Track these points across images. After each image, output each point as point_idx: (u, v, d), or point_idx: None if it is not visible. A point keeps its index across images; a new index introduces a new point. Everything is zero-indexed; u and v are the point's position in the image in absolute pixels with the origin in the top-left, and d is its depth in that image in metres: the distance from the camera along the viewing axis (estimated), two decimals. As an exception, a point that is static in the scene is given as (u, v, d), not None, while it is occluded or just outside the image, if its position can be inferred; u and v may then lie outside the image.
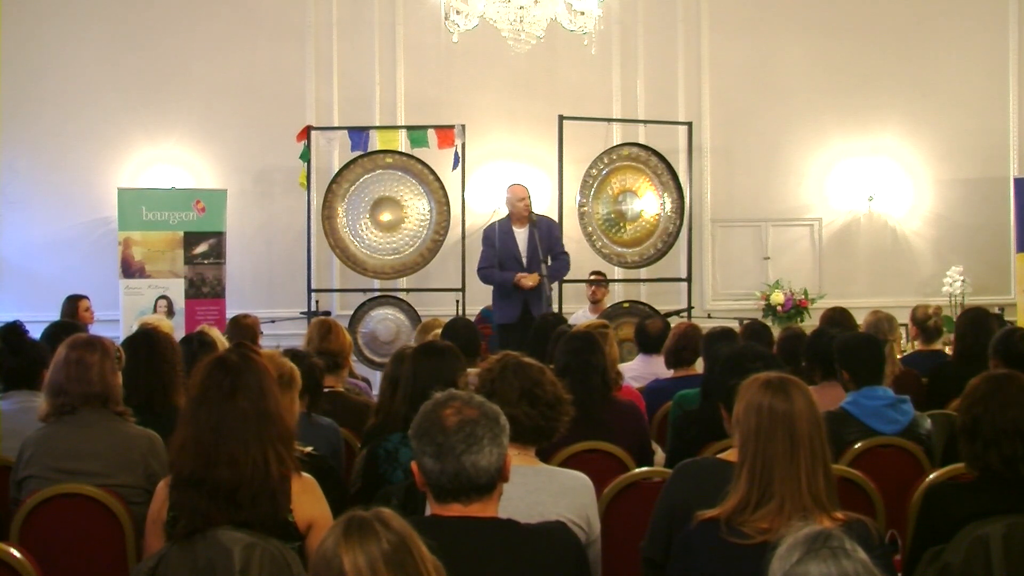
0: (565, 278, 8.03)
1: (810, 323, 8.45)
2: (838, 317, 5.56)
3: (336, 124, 8.99)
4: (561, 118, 8.30)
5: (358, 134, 8.41)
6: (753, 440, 2.39)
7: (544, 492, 2.76)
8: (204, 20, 9.32)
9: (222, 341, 4.76)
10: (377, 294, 8.76)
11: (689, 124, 9.04)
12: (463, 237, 8.37)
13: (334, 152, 8.95)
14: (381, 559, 1.64)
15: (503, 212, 8.52)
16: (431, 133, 8.27)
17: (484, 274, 7.53)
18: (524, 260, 7.33)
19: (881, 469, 3.60)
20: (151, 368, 3.86)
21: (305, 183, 8.50)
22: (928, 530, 2.85)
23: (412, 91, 9.44)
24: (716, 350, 4.13)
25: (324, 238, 8.50)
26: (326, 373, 4.27)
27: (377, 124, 8.97)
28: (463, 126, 8.28)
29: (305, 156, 8.45)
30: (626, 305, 8.71)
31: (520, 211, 7.45)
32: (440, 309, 8.17)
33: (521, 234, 7.40)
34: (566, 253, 7.61)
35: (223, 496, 2.47)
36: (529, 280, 7.18)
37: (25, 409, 3.91)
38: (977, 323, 5.21)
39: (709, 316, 8.96)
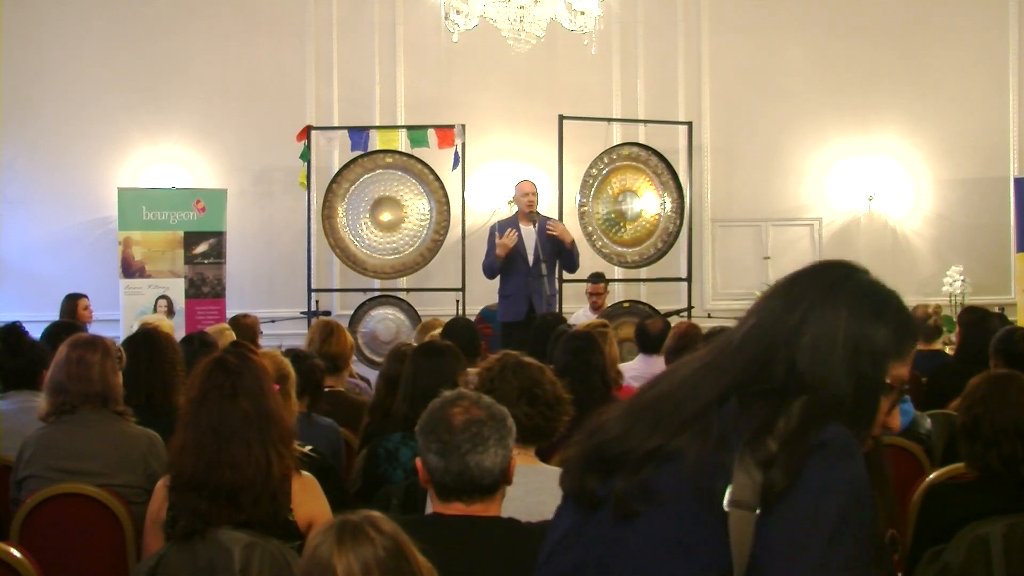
0: (567, 278, 8.05)
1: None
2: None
3: (336, 124, 8.99)
4: (561, 118, 8.30)
5: (358, 134, 8.40)
6: None
7: (544, 492, 2.76)
8: (204, 20, 9.32)
9: None
10: (377, 294, 8.76)
11: (689, 124, 9.04)
12: (463, 237, 8.37)
13: (334, 152, 8.95)
14: (375, 564, 1.64)
15: (503, 212, 8.54)
16: (431, 133, 8.26)
17: (484, 265, 7.57)
18: (530, 259, 7.36)
19: (881, 469, 3.59)
20: (151, 368, 3.87)
21: (305, 183, 8.50)
22: (928, 530, 2.85)
23: (412, 91, 9.44)
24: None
25: (324, 238, 8.50)
26: (327, 374, 4.27)
27: (377, 124, 8.97)
28: (463, 126, 8.28)
29: (305, 156, 8.45)
30: (626, 305, 8.71)
31: (523, 206, 7.49)
32: (440, 309, 8.17)
33: (527, 232, 7.43)
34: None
35: (224, 498, 2.47)
36: (507, 241, 7.24)
37: (25, 409, 3.91)
38: (981, 322, 5.21)
39: (709, 316, 8.96)
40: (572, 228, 7.93)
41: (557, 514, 1.55)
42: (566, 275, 8.01)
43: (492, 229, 7.66)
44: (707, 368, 1.49)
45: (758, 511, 1.31)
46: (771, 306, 1.50)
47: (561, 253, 7.51)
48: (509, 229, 7.43)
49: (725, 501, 1.32)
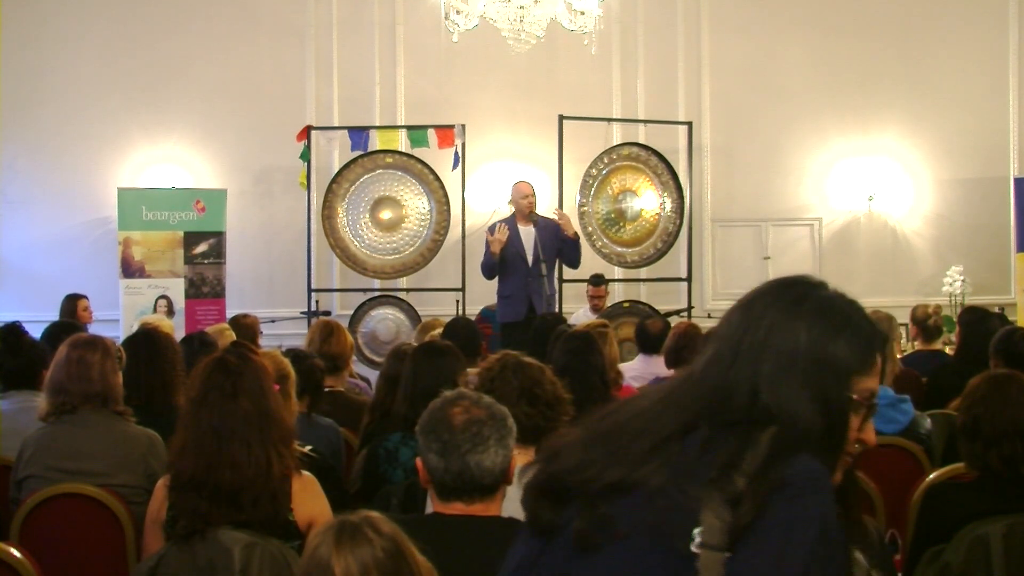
0: (566, 278, 8.05)
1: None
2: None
3: (336, 124, 8.99)
4: (561, 118, 8.30)
5: (358, 134, 8.41)
6: None
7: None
8: (204, 20, 9.32)
9: None
10: (377, 294, 8.77)
11: (689, 124, 9.04)
12: (463, 237, 8.37)
13: (334, 152, 8.95)
14: (374, 565, 1.64)
15: (503, 212, 8.53)
16: (431, 133, 8.27)
17: (481, 265, 7.55)
18: (529, 259, 7.35)
19: (881, 469, 3.60)
20: (151, 368, 3.87)
21: (305, 183, 8.50)
22: (928, 530, 2.86)
23: (412, 91, 9.44)
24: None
25: (324, 238, 8.50)
26: (327, 374, 4.27)
27: (377, 124, 8.97)
28: (463, 126, 8.28)
29: (305, 156, 8.45)
30: (626, 305, 8.71)
31: (523, 208, 7.48)
32: (440, 309, 8.17)
33: (526, 232, 7.42)
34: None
35: (225, 498, 2.47)
36: (500, 236, 7.23)
37: (25, 409, 3.91)
38: (981, 322, 5.21)
39: (709, 316, 8.95)
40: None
41: (517, 537, 1.52)
42: (566, 275, 8.01)
43: (489, 229, 7.66)
44: (668, 399, 1.45)
45: (727, 553, 1.27)
46: (729, 333, 1.47)
47: (562, 250, 7.49)
48: (500, 224, 7.41)
49: (695, 543, 1.27)
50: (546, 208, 8.38)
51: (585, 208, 8.46)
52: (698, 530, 1.28)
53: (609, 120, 9.12)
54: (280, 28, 9.41)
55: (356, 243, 8.53)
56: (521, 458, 2.76)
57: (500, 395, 2.80)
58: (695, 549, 1.28)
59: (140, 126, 9.24)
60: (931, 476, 3.30)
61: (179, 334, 5.70)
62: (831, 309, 1.47)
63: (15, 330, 4.28)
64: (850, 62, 9.62)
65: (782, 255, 9.66)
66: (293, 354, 3.79)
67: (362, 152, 8.43)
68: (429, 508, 2.29)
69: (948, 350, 6.13)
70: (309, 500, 2.63)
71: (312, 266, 8.55)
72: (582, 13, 6.82)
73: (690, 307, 8.79)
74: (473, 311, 8.31)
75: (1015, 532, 2.67)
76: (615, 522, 1.36)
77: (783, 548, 1.27)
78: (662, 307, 8.43)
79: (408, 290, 8.86)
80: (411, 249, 8.56)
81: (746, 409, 1.37)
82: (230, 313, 7.90)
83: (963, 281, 9.09)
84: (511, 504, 2.32)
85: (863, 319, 1.49)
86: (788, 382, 1.38)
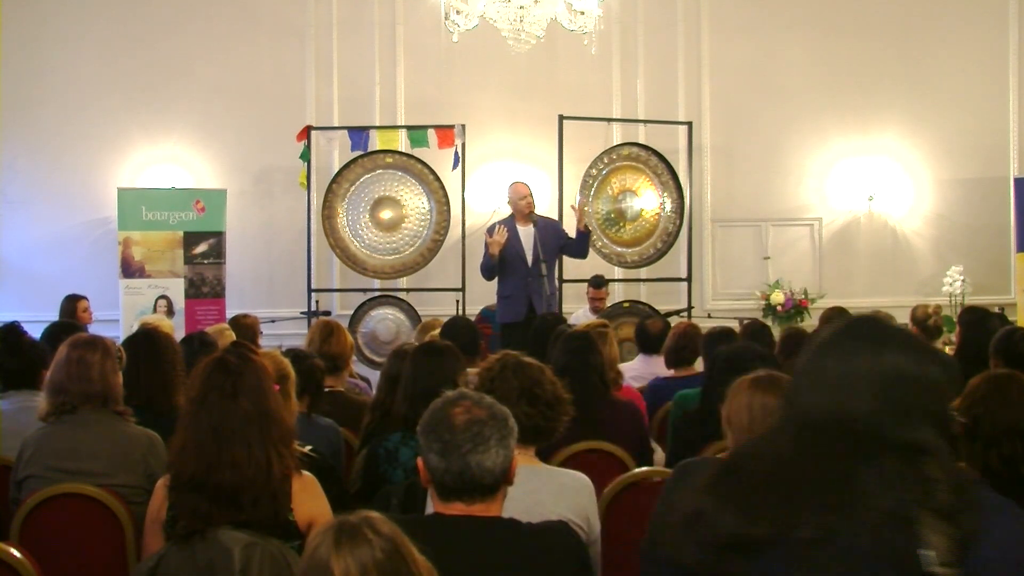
0: (567, 278, 8.04)
1: (810, 323, 8.46)
2: (837, 317, 5.55)
3: (336, 124, 8.99)
4: (561, 118, 8.30)
5: (358, 134, 8.41)
6: (747, 437, 2.40)
7: (544, 492, 2.77)
8: (204, 20, 9.32)
9: None
10: (377, 294, 8.77)
11: (689, 124, 9.04)
12: (463, 237, 8.37)
13: (334, 152, 8.95)
14: (373, 566, 1.64)
15: (503, 212, 8.54)
16: (431, 133, 8.27)
17: (481, 266, 7.54)
18: (528, 259, 7.34)
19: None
20: (151, 368, 3.86)
21: (305, 183, 8.50)
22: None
23: (412, 91, 9.44)
24: (716, 350, 4.14)
25: (324, 238, 8.51)
26: (327, 374, 4.27)
27: (377, 124, 8.97)
28: (463, 126, 8.28)
29: (305, 156, 8.45)
30: (626, 305, 8.71)
31: (522, 209, 7.47)
32: (440, 309, 8.17)
33: (525, 233, 7.41)
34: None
35: (225, 498, 2.47)
36: (498, 238, 7.21)
37: (25, 409, 3.91)
38: (981, 322, 5.21)
39: (709, 316, 8.95)
40: (572, 228, 7.95)
41: None
42: (566, 275, 8.00)
43: (487, 230, 7.66)
44: (802, 442, 1.51)
45: (960, 569, 1.37)
46: (826, 370, 1.53)
47: (565, 246, 7.49)
48: (499, 226, 7.41)
49: (927, 563, 1.34)
50: (546, 209, 8.38)
51: (585, 208, 8.45)
52: (928, 552, 1.36)
53: (609, 120, 9.12)
54: (280, 28, 9.41)
55: (356, 243, 8.53)
56: (521, 458, 2.77)
57: (500, 395, 2.80)
58: (934, 570, 1.35)
59: (140, 126, 9.24)
60: (931, 476, 3.30)
61: (179, 334, 5.70)
62: (913, 339, 1.57)
63: (15, 330, 4.29)
64: (850, 62, 9.62)
65: (782, 255, 9.66)
66: (293, 354, 3.79)
67: (362, 152, 8.43)
68: (429, 508, 2.29)
69: (948, 350, 6.13)
70: (309, 500, 2.63)
71: (312, 266, 8.56)
72: (582, 13, 6.82)
73: (690, 307, 8.79)
74: (473, 311, 8.31)
75: (1015, 532, 2.66)
76: (846, 562, 1.42)
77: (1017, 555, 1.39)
78: (662, 307, 8.43)
79: (408, 290, 8.86)
80: (411, 249, 8.56)
81: (890, 438, 1.45)
82: (230, 313, 7.90)
83: (963, 281, 9.10)
84: (511, 504, 2.32)
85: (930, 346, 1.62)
86: (911, 409, 1.46)
